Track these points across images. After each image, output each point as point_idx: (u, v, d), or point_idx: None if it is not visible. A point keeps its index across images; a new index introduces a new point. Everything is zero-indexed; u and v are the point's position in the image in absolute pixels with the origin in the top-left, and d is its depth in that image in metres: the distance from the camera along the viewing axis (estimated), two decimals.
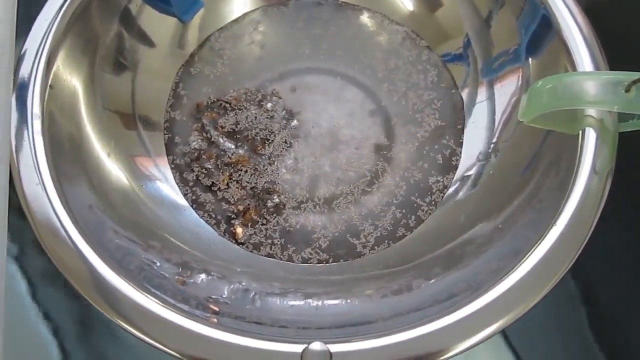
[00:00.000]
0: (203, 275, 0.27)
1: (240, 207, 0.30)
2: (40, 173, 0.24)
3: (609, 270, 0.31)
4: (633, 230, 0.31)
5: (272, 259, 0.29)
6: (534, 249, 0.23)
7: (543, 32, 0.28)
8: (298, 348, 0.21)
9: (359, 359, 0.21)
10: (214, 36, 0.34)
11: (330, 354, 0.21)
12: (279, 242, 0.30)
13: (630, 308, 0.30)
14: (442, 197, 0.30)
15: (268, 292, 0.26)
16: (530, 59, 0.29)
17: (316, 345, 0.21)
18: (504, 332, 0.29)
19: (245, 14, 0.35)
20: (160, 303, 0.22)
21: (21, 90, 0.26)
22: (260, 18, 0.35)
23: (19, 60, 0.26)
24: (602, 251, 0.30)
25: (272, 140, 0.32)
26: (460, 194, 0.30)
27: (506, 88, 0.31)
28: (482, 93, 0.32)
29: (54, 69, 0.27)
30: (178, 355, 0.22)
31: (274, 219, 0.30)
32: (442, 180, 0.31)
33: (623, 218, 0.31)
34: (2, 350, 0.18)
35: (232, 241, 0.30)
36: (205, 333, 0.22)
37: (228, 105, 0.32)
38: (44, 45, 0.27)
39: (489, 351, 0.29)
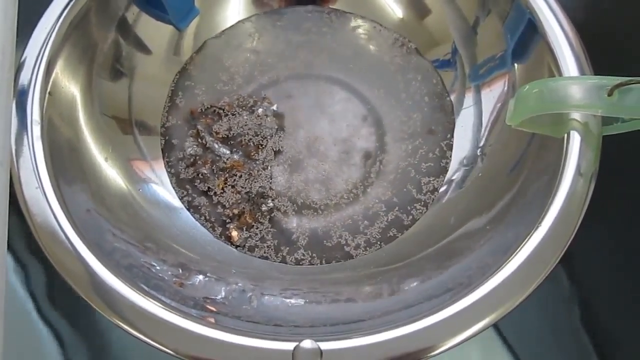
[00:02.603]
0: (200, 277, 0.27)
1: (236, 211, 0.31)
2: (39, 177, 0.25)
3: (603, 271, 0.31)
4: (626, 231, 0.31)
5: (266, 260, 0.30)
6: (520, 248, 0.23)
7: (529, 36, 0.29)
8: (289, 346, 0.22)
9: (349, 357, 0.22)
10: (209, 43, 0.35)
11: (321, 352, 0.21)
12: (272, 245, 0.30)
13: (623, 308, 0.30)
14: (433, 199, 0.31)
15: (263, 292, 0.27)
16: (516, 64, 0.30)
17: (307, 343, 0.22)
18: (500, 332, 0.29)
19: (239, 22, 0.35)
20: (157, 303, 0.23)
21: (21, 96, 0.26)
22: (254, 25, 0.35)
23: (18, 67, 0.27)
24: (595, 252, 0.30)
25: (265, 146, 0.32)
26: (450, 195, 0.30)
27: (493, 93, 0.31)
28: (469, 98, 0.32)
29: (53, 76, 0.27)
30: (174, 354, 0.22)
31: (268, 222, 0.31)
32: (432, 182, 0.31)
33: (616, 219, 0.31)
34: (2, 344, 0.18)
35: (226, 243, 0.30)
36: (200, 332, 0.22)
37: (221, 111, 0.33)
38: (43, 53, 0.27)
39: (484, 351, 0.29)
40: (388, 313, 0.24)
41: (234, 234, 0.30)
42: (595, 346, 0.29)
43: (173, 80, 0.34)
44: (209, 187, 0.31)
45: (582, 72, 0.27)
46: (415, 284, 0.26)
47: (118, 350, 0.29)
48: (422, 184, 0.31)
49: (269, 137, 0.32)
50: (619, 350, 0.30)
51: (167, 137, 0.32)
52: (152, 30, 0.32)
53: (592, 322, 0.30)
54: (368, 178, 0.32)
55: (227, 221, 0.30)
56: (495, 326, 0.30)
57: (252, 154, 0.32)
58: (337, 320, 0.25)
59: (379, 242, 0.30)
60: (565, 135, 0.25)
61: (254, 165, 0.32)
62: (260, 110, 0.33)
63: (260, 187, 0.31)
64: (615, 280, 0.31)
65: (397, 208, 0.31)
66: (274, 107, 0.33)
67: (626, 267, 0.31)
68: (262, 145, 0.32)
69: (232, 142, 0.32)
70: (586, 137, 0.25)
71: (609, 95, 0.23)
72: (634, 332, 0.30)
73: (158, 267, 0.26)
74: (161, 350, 0.22)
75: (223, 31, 0.35)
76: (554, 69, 0.27)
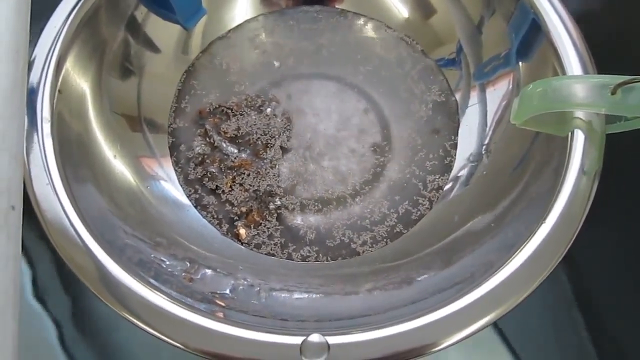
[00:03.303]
0: (209, 272, 0.27)
1: (243, 209, 0.31)
2: (49, 174, 0.25)
3: (604, 271, 0.31)
4: (627, 232, 0.31)
5: (272, 257, 0.30)
6: (524, 246, 0.23)
7: (533, 36, 0.29)
8: (297, 340, 0.22)
9: (355, 351, 0.22)
10: (217, 43, 0.35)
11: (329, 346, 0.22)
12: (279, 242, 0.30)
13: (625, 308, 0.30)
14: (438, 197, 0.31)
15: (270, 288, 0.27)
16: (520, 63, 0.30)
17: (315, 337, 0.22)
18: (501, 332, 0.30)
19: (246, 21, 0.36)
20: (166, 298, 0.23)
21: (31, 94, 0.26)
22: (260, 25, 0.36)
23: (29, 66, 0.27)
24: (597, 251, 0.30)
25: (273, 145, 0.32)
26: (455, 193, 0.31)
27: (498, 91, 0.31)
28: (474, 96, 0.32)
29: (63, 74, 0.27)
30: (183, 348, 0.22)
31: (275, 220, 0.31)
32: (437, 180, 0.31)
33: (618, 220, 0.31)
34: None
35: (234, 240, 0.30)
36: (209, 326, 0.22)
37: (230, 111, 0.33)
38: (53, 52, 0.27)
39: (486, 351, 0.29)
40: (393, 308, 0.25)
41: (242, 231, 0.30)
42: (596, 346, 0.29)
43: (180, 79, 0.34)
44: (217, 186, 0.31)
45: (585, 71, 0.27)
46: (419, 280, 0.27)
47: (121, 348, 0.30)
48: (427, 182, 0.31)
49: (277, 136, 0.32)
50: (620, 350, 0.30)
51: (175, 136, 0.33)
52: (161, 29, 0.33)
53: (594, 321, 0.30)
54: (374, 176, 0.32)
55: (235, 219, 0.31)
56: (497, 325, 0.30)
57: (260, 152, 0.32)
58: (343, 315, 0.25)
59: (384, 239, 0.30)
60: (569, 133, 0.26)
61: (262, 164, 0.32)
62: (268, 109, 0.33)
63: (268, 185, 0.31)
64: (617, 279, 0.31)
65: (402, 205, 0.31)
66: (282, 107, 0.33)
67: (628, 267, 0.31)
68: (270, 144, 0.32)
69: (240, 141, 0.32)
70: (590, 136, 0.25)
71: (613, 94, 0.23)
72: (635, 332, 0.30)
73: (168, 262, 0.26)
74: (170, 344, 0.22)
75: (230, 31, 0.35)
76: (557, 68, 0.27)
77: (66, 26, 0.28)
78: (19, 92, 0.19)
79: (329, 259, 0.30)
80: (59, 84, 0.27)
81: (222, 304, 0.25)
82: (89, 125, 0.29)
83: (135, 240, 0.26)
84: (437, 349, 0.22)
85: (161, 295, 0.23)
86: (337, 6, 0.36)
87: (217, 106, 0.33)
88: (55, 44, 0.27)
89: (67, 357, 0.29)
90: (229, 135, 0.32)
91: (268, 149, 0.32)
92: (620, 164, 0.26)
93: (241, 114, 0.33)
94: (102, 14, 0.29)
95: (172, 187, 0.31)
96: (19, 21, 0.20)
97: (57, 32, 0.28)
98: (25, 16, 0.20)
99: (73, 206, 0.24)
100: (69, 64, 0.28)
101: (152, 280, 0.24)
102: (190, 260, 0.27)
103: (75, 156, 0.27)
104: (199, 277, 0.26)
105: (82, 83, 0.29)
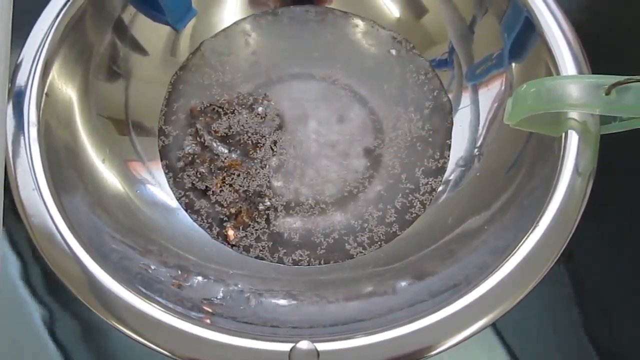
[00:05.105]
0: (199, 278, 0.27)
1: (233, 210, 0.31)
2: (36, 179, 0.25)
3: (603, 270, 0.31)
4: (626, 230, 0.31)
5: (262, 260, 0.30)
6: (519, 248, 0.23)
7: (526, 35, 0.29)
8: (286, 347, 0.22)
9: (346, 358, 0.22)
10: (206, 44, 0.35)
11: (318, 353, 0.22)
12: (268, 245, 0.30)
13: (624, 308, 0.30)
14: (431, 199, 0.31)
15: (261, 293, 0.27)
16: (513, 63, 0.30)
17: (303, 344, 0.22)
18: (499, 333, 0.29)
19: (236, 22, 0.35)
20: (154, 305, 0.23)
21: (18, 98, 0.26)
22: (251, 26, 0.35)
23: (15, 69, 0.27)
24: (595, 251, 0.30)
25: (264, 144, 0.32)
26: (448, 195, 0.30)
27: (490, 92, 0.31)
28: (466, 97, 0.32)
29: (50, 77, 0.27)
30: (171, 355, 0.22)
31: (264, 222, 0.30)
32: (430, 182, 0.31)
33: (616, 219, 0.31)
34: None
35: (224, 244, 0.30)
36: (197, 333, 0.22)
37: (221, 109, 0.33)
38: (40, 55, 0.27)
39: (484, 351, 0.29)
40: (386, 313, 0.24)
41: (230, 233, 0.30)
42: (596, 346, 0.29)
43: (170, 82, 0.34)
44: (206, 186, 0.31)
45: (580, 70, 0.27)
46: (413, 284, 0.26)
47: (118, 347, 0.29)
48: (420, 184, 0.31)
49: (267, 135, 0.32)
50: (620, 351, 0.30)
51: (165, 137, 0.32)
52: (149, 31, 0.32)
53: (592, 321, 0.30)
54: (366, 178, 0.32)
55: (224, 220, 0.30)
56: (495, 326, 0.30)
57: (251, 152, 0.32)
58: (335, 321, 0.25)
59: (377, 242, 0.30)
60: (563, 134, 0.25)
61: (252, 164, 0.32)
62: (260, 108, 0.33)
63: (257, 185, 0.31)
64: (615, 279, 0.31)
65: (395, 207, 0.31)
66: (274, 106, 0.33)
67: (628, 266, 0.31)
68: (260, 143, 0.32)
69: (230, 141, 0.32)
70: (584, 136, 0.25)
71: (607, 94, 0.23)
72: (634, 332, 0.30)
73: (156, 269, 0.26)
74: (157, 352, 0.22)
75: (220, 32, 0.35)
76: (551, 67, 0.27)
77: (53, 29, 0.28)
78: (0, 94, 0.19)
79: (321, 262, 0.30)
80: (46, 87, 0.27)
81: (211, 310, 0.25)
82: (76, 129, 0.28)
83: (124, 247, 0.26)
84: (431, 353, 0.22)
85: (149, 302, 0.23)
86: (327, 6, 0.36)
87: (208, 104, 0.33)
88: (42, 47, 0.27)
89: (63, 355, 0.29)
90: (219, 135, 0.32)
91: (258, 148, 0.32)
92: (618, 162, 0.25)
93: (232, 112, 0.33)
94: (89, 17, 0.29)
95: (161, 191, 0.31)
96: (0, 24, 0.19)
97: (44, 35, 0.27)
98: (7, 19, 0.20)
99: (60, 212, 0.24)
100: (56, 67, 0.28)
101: (140, 287, 0.24)
102: (179, 267, 0.27)
103: (62, 161, 0.27)
104: (188, 284, 0.26)
105: (69, 86, 0.28)
